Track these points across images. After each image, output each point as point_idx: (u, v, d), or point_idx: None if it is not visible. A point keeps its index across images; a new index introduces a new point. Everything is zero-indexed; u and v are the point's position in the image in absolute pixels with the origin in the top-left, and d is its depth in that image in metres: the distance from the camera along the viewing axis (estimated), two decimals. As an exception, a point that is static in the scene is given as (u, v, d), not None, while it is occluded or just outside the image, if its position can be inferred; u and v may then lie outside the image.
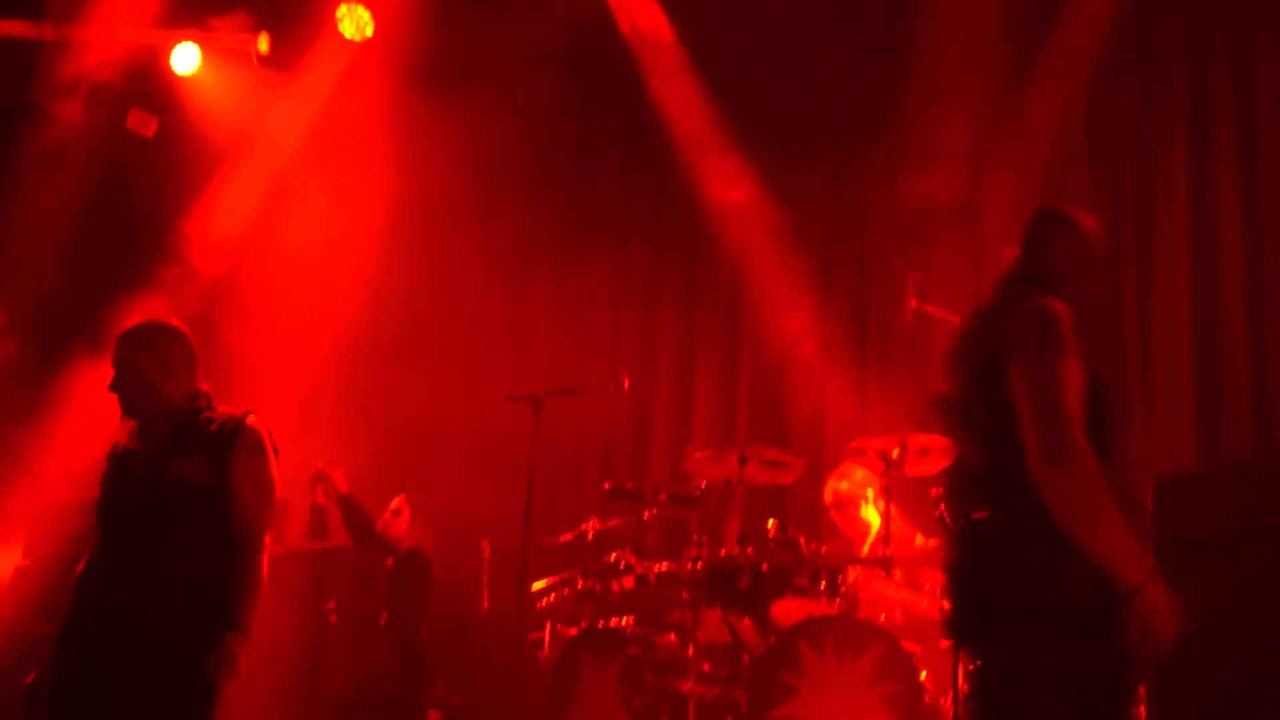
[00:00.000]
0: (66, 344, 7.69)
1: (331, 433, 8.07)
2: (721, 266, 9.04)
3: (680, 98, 8.96)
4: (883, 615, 6.49)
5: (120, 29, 8.62)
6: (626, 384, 7.43)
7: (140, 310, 4.95)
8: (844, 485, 7.09)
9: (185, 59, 8.78)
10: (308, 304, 8.58)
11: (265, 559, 4.55)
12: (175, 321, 4.79)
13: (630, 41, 8.93)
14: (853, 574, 6.55)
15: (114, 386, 4.63)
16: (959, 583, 3.73)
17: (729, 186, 8.83)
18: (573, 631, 6.94)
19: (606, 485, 7.33)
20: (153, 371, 4.60)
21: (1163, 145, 8.02)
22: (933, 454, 6.72)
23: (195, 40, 8.78)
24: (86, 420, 6.68)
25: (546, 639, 7.17)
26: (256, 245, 8.77)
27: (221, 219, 8.83)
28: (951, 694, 5.88)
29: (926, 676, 6.09)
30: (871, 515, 7.03)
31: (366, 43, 8.95)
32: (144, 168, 8.78)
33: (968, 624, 3.68)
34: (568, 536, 7.40)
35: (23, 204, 8.40)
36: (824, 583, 6.48)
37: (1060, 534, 3.47)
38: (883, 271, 8.48)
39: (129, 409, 4.64)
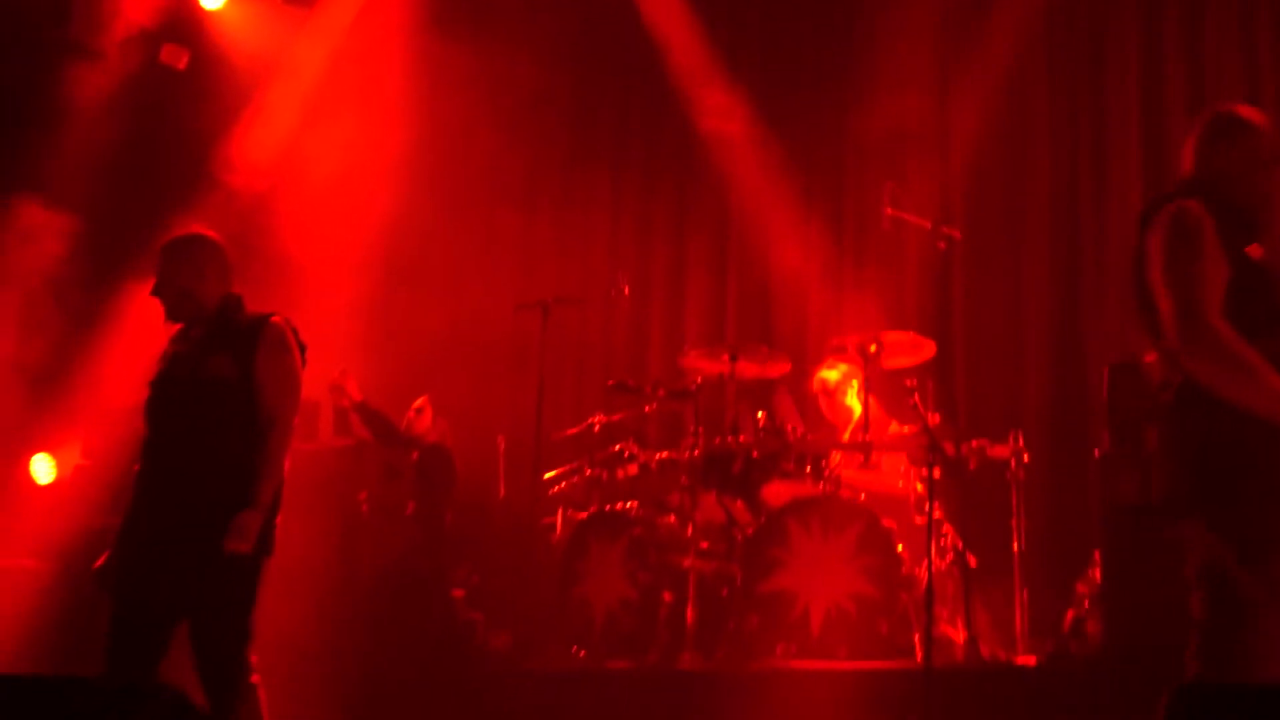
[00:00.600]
0: (118, 261, 7.65)
1: (357, 341, 8.07)
2: (711, 183, 9.03)
3: (673, 30, 8.88)
4: (862, 495, 6.55)
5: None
6: (626, 290, 7.46)
7: (182, 227, 4.85)
8: (833, 375, 7.18)
9: (211, -5, 8.67)
10: (334, 223, 8.55)
11: (287, 445, 4.57)
12: (208, 232, 4.80)
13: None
14: (835, 458, 6.61)
15: (155, 292, 4.67)
16: (1171, 461, 3.68)
17: (718, 111, 8.79)
18: (582, 515, 7.04)
19: (610, 382, 7.42)
20: (188, 278, 4.63)
21: (1116, 69, 8.01)
22: (906, 348, 6.77)
23: (221, -22, 8.64)
24: (138, 330, 6.65)
25: (558, 523, 7.26)
26: (287, 168, 8.70)
27: (255, 144, 8.76)
28: (925, 563, 6.00)
29: (903, 549, 6.18)
30: (854, 403, 7.10)
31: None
32: (179, 99, 8.68)
33: (1190, 498, 3.60)
34: (575, 430, 7.48)
35: (69, 135, 8.31)
36: (809, 467, 6.59)
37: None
38: (859, 184, 8.47)
39: (170, 313, 4.68)
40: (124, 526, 4.61)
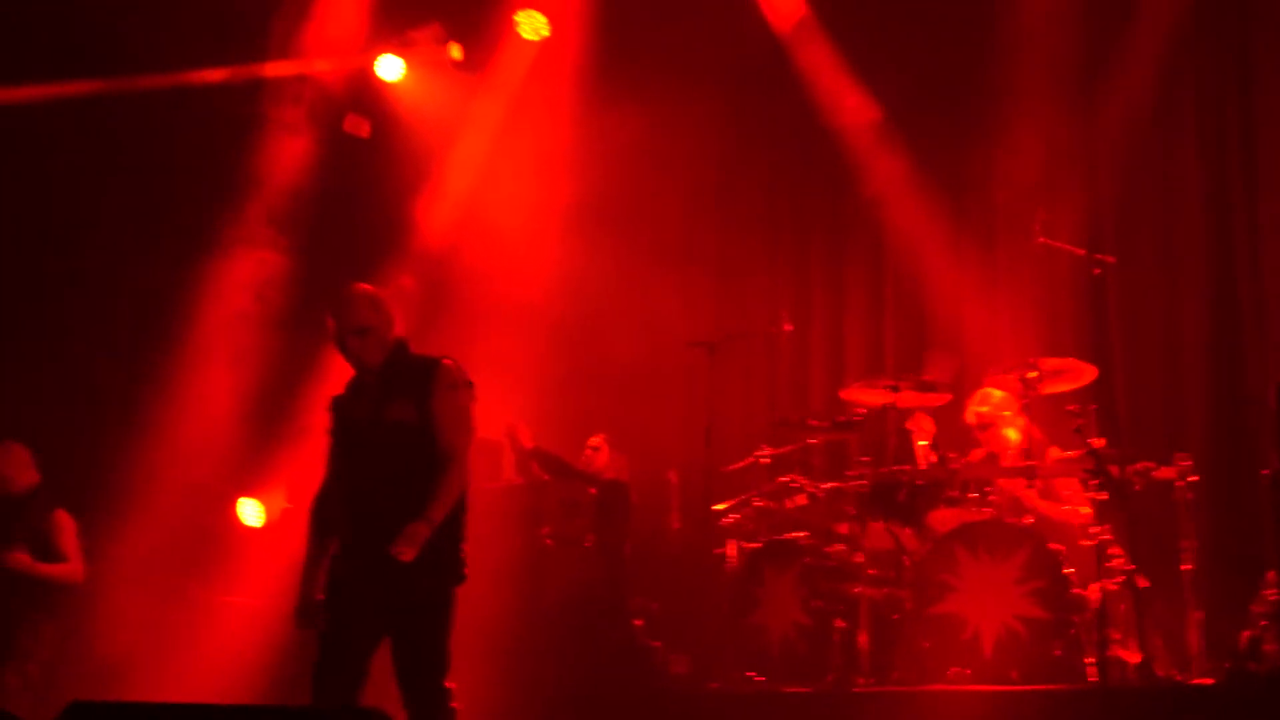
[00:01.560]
0: (312, 317, 7.97)
1: (537, 384, 8.26)
2: (865, 218, 8.98)
3: (822, 69, 8.89)
4: (1028, 520, 6.44)
5: (333, 49, 8.82)
6: (788, 327, 7.49)
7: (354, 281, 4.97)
8: (984, 408, 7.07)
9: (390, 69, 8.98)
10: (511, 274, 8.77)
11: (463, 475, 4.71)
12: (371, 286, 4.92)
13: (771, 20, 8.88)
14: (999, 485, 6.52)
15: (355, 341, 4.75)
16: None
17: (870, 141, 8.75)
18: (754, 545, 7.06)
19: (775, 418, 7.41)
20: (385, 329, 4.79)
21: (1264, 85, 7.81)
22: (1065, 374, 6.67)
23: (398, 52, 8.95)
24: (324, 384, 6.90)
25: (730, 552, 7.26)
26: (468, 225, 8.96)
27: (438, 204, 9.04)
28: (1095, 585, 5.88)
29: (1071, 572, 6.06)
30: (1010, 433, 6.99)
31: (544, 42, 9.03)
32: (365, 165, 9.01)
33: None
34: (744, 463, 7.50)
35: (261, 201, 8.68)
36: (974, 493, 6.49)
37: None
38: (1010, 213, 8.34)
39: (363, 359, 4.79)
40: (310, 568, 4.77)
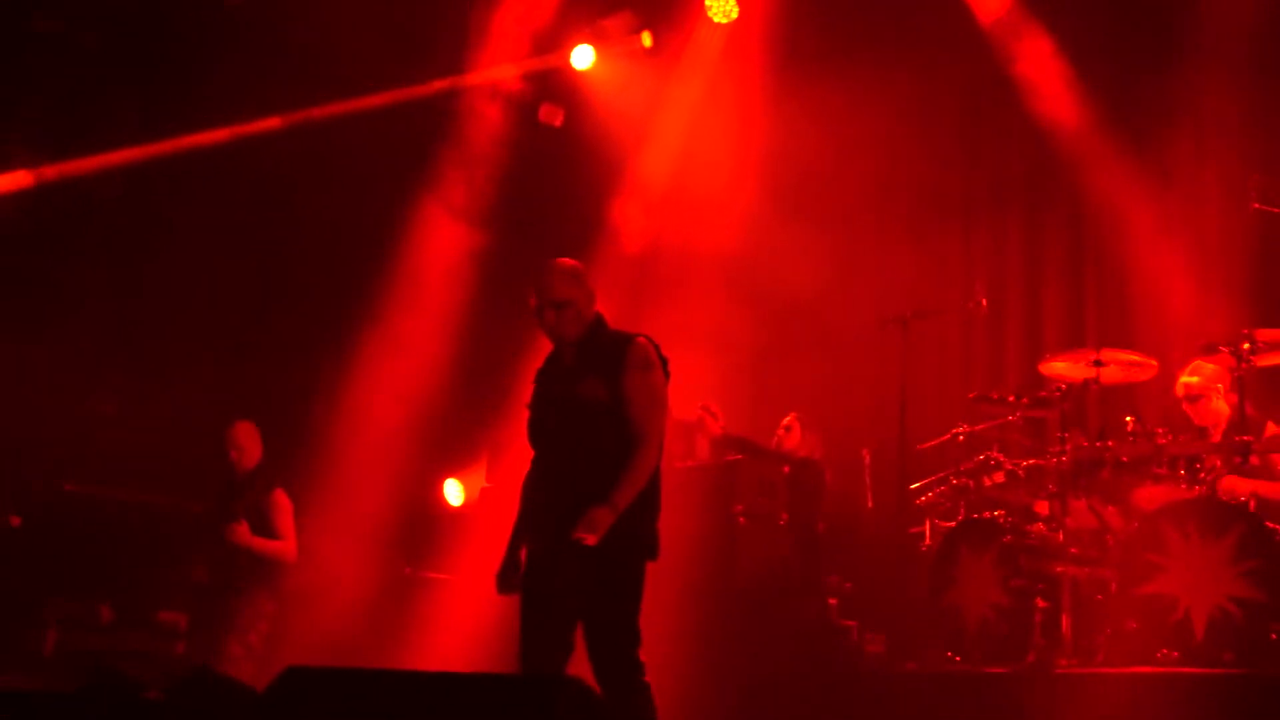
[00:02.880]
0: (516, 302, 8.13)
1: (734, 364, 8.22)
2: (1063, 186, 8.63)
3: (1016, 35, 8.56)
4: (1241, 498, 6.07)
5: (522, 45, 8.93)
6: (984, 302, 7.25)
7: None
8: (1195, 380, 6.69)
9: (582, 58, 9.03)
10: (709, 255, 8.74)
11: (654, 456, 4.63)
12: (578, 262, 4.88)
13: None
14: (1210, 461, 6.17)
15: (553, 315, 4.73)
16: None
17: (1065, 111, 8.39)
18: (950, 524, 6.89)
19: (971, 395, 7.21)
20: (584, 303, 4.76)
21: None
22: (1280, 347, 6.26)
23: (590, 41, 9.00)
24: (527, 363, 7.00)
25: (926, 532, 7.12)
26: (665, 208, 8.98)
27: (635, 190, 9.08)
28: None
29: (1290, 553, 5.68)
30: (1221, 406, 6.61)
31: (734, 24, 8.95)
32: (558, 153, 9.09)
33: None
34: (939, 440, 7.31)
35: (461, 185, 8.86)
36: (1183, 470, 6.17)
37: None
38: (1221, 176, 7.86)
39: (561, 333, 4.76)
40: (516, 537, 4.81)
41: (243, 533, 6.66)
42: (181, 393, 8.21)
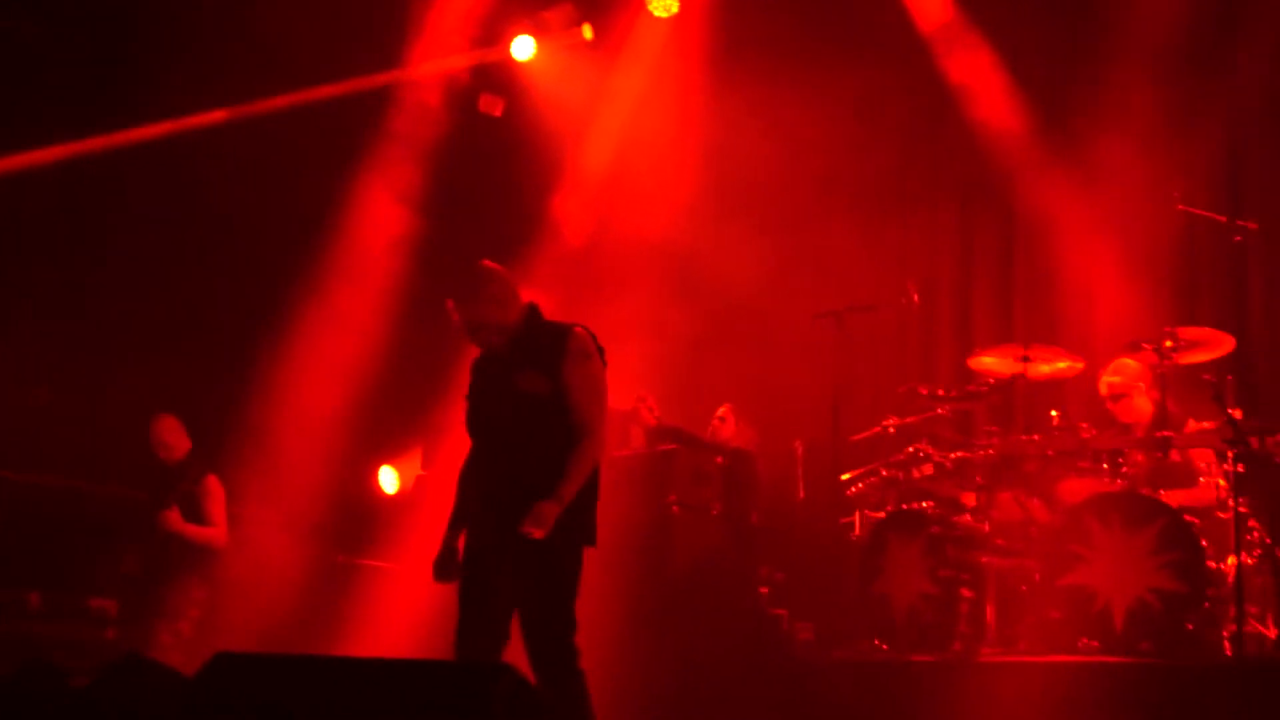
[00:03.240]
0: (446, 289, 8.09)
1: (666, 356, 8.23)
2: (994, 186, 8.72)
3: (949, 34, 8.64)
4: (1160, 493, 6.19)
5: (467, 31, 8.88)
6: (916, 298, 7.32)
7: (467, 266, 4.88)
8: (1117, 379, 6.81)
9: (523, 49, 9.00)
10: (643, 249, 8.76)
11: (599, 447, 4.64)
12: (487, 262, 4.79)
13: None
14: (1133, 456, 6.28)
15: (471, 337, 4.71)
16: None
17: (1000, 114, 8.48)
18: (879, 515, 6.95)
19: (902, 388, 7.27)
20: (495, 314, 4.70)
21: None
22: (1202, 344, 6.39)
23: (531, 33, 8.96)
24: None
25: (856, 522, 7.18)
26: (602, 199, 8.98)
27: (575, 188, 9.07)
28: (1231, 559, 5.62)
29: (1206, 545, 5.80)
30: (1144, 404, 6.73)
31: (675, 19, 8.95)
32: (498, 145, 9.06)
33: None
34: (870, 433, 7.37)
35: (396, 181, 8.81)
36: (1106, 464, 6.27)
37: None
38: (1146, 176, 7.99)
39: (484, 346, 4.75)
40: (454, 525, 4.79)
41: (174, 519, 6.64)
42: (114, 380, 8.11)
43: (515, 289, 4.77)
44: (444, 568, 4.75)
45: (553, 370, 4.64)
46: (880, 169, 9.26)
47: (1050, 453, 6.40)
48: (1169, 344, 6.28)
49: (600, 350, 4.76)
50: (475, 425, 4.80)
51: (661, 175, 8.92)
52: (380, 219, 8.73)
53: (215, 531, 6.82)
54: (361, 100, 8.70)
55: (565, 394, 4.62)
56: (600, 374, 4.72)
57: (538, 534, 4.44)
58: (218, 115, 8.31)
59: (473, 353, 4.89)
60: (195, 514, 6.77)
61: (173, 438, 6.97)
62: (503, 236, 8.12)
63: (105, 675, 3.86)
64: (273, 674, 3.63)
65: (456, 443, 5.07)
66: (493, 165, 9.11)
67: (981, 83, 8.57)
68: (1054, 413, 6.54)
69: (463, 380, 4.88)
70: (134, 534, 6.82)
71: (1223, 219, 6.61)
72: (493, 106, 9.11)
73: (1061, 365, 6.79)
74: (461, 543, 4.75)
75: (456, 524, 4.79)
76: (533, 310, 4.79)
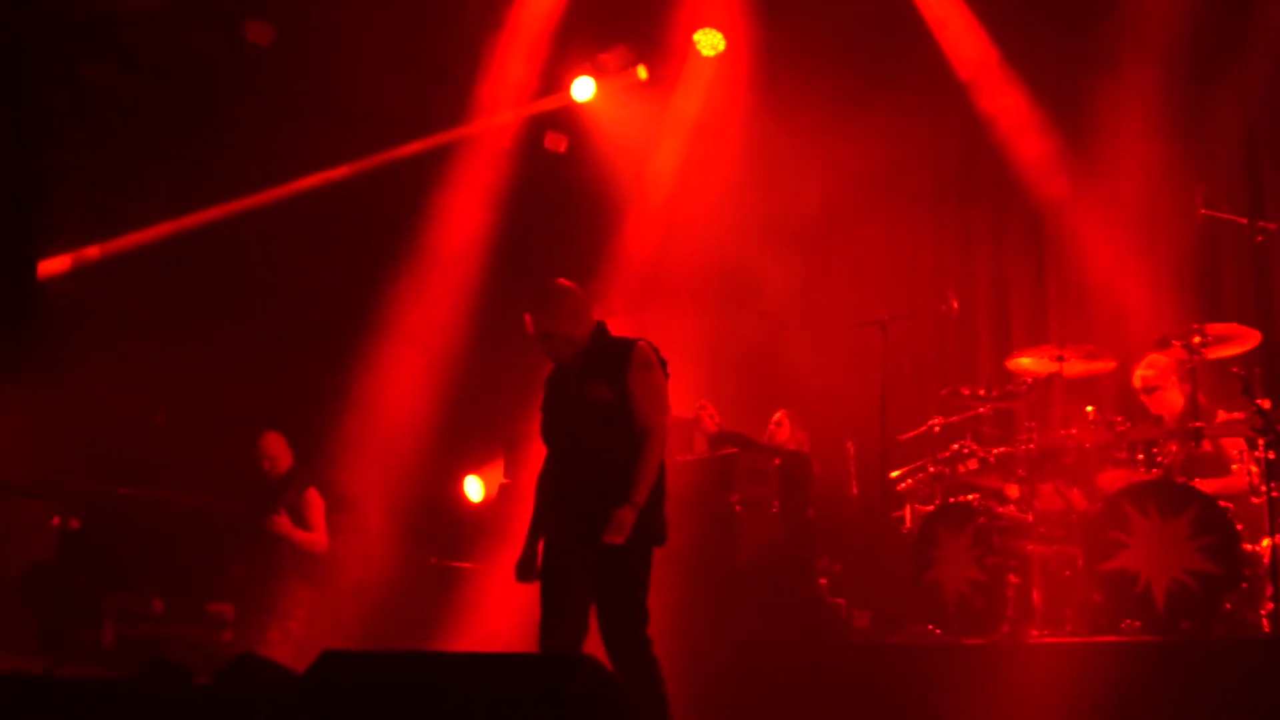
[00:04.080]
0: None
1: (726, 366, 8.21)
2: (1025, 194, 8.58)
3: (968, 43, 8.52)
4: (1195, 480, 6.06)
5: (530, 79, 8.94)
6: (955, 304, 7.23)
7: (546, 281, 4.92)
8: (1150, 373, 6.69)
9: (583, 90, 9.02)
10: (701, 268, 8.75)
11: (659, 450, 4.63)
12: (564, 281, 4.84)
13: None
14: (1167, 446, 6.16)
15: (544, 344, 4.75)
16: None
17: (1026, 128, 8.37)
18: (928, 508, 6.88)
19: (945, 390, 7.21)
20: (568, 328, 4.74)
21: None
22: (1230, 340, 6.25)
23: (589, 74, 8.99)
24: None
25: (907, 516, 7.11)
26: (663, 226, 8.99)
27: (637, 216, 9.08)
28: (1265, 541, 5.49)
29: (1241, 529, 5.66)
30: (1175, 397, 6.59)
31: (720, 57, 8.94)
32: (561, 181, 9.12)
33: None
34: (917, 432, 7.31)
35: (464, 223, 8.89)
36: (1141, 454, 6.15)
37: None
38: (1168, 184, 7.83)
39: (555, 358, 4.79)
40: (534, 530, 4.80)
41: (283, 524, 6.76)
42: (221, 405, 8.23)
43: (589, 306, 4.82)
44: (524, 569, 4.76)
45: (618, 380, 4.65)
46: (915, 185, 9.19)
47: (1088, 445, 6.33)
48: (1197, 339, 6.15)
49: (662, 362, 4.78)
50: (549, 434, 4.82)
51: (714, 200, 8.91)
52: (461, 245, 8.82)
53: (317, 537, 6.94)
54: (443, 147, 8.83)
55: (629, 401, 4.63)
56: (661, 382, 4.73)
57: (618, 540, 4.45)
58: (320, 178, 8.48)
59: (548, 369, 4.91)
60: (299, 522, 6.90)
61: (278, 450, 7.15)
62: (569, 263, 8.15)
63: (225, 673, 3.90)
64: (374, 669, 3.65)
65: (535, 453, 5.08)
66: (561, 199, 9.16)
67: (1010, 107, 8.45)
68: (1089, 408, 6.44)
69: (539, 395, 4.90)
70: (242, 544, 6.93)
71: (1244, 220, 6.46)
72: (557, 144, 9.15)
73: (1094, 363, 6.68)
74: (541, 546, 4.76)
75: (536, 528, 4.81)
76: (601, 327, 4.83)
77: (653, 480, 4.60)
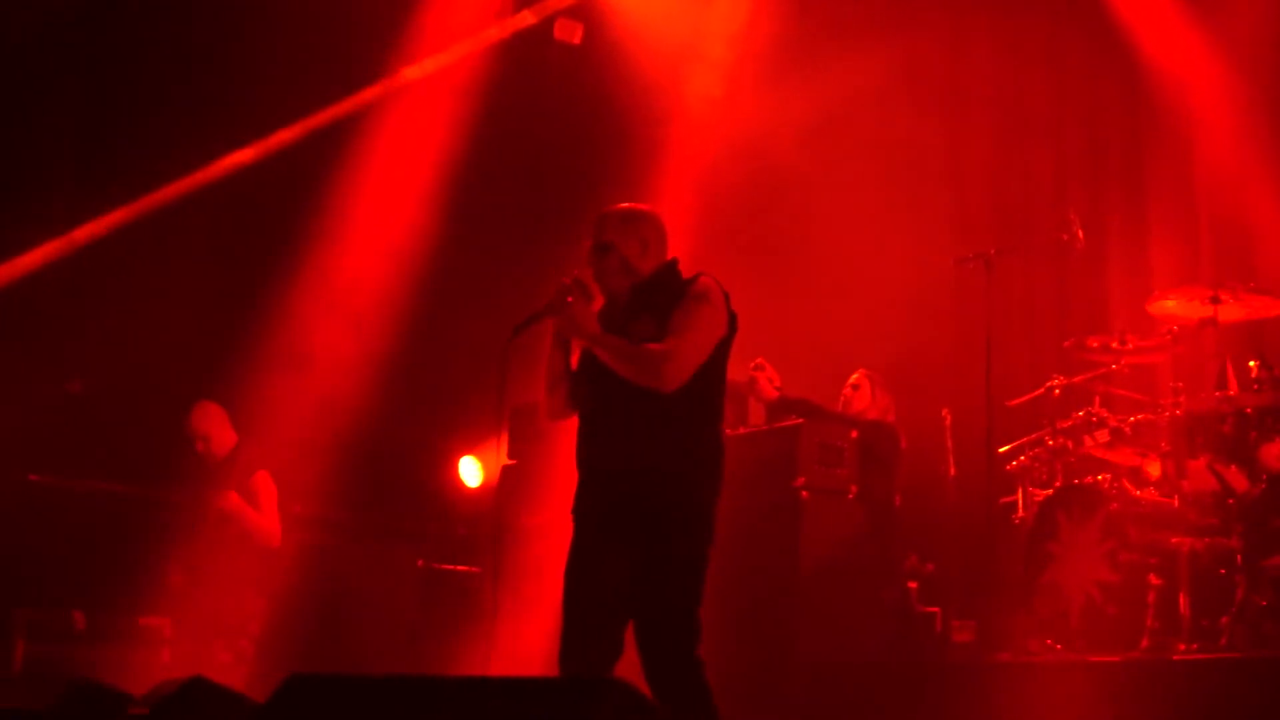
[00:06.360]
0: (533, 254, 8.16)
1: (794, 314, 8.21)
2: (1167, 105, 8.53)
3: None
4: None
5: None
6: (1080, 234, 7.19)
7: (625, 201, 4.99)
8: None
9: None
10: (752, 193, 8.73)
11: (655, 363, 4.56)
12: (651, 207, 4.95)
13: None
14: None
15: (594, 259, 4.78)
16: None
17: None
18: (1046, 492, 6.91)
19: (1068, 342, 7.20)
20: (632, 250, 4.78)
21: None
22: None
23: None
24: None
25: (1020, 502, 7.14)
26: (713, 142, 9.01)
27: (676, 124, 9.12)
28: None
29: None
30: (1363, 348, 6.54)
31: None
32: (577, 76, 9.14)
33: None
34: (1032, 395, 7.32)
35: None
36: (1316, 422, 6.14)
37: None
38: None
39: (603, 280, 4.76)
40: (578, 494, 4.79)
41: (233, 498, 6.73)
42: (155, 368, 8.27)
43: (664, 240, 4.86)
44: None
45: (664, 313, 4.66)
46: (1028, 85, 9.13)
47: (1249, 410, 6.30)
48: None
49: (731, 310, 4.74)
50: (581, 387, 4.80)
51: (772, 113, 8.89)
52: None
53: (270, 525, 6.88)
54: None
55: (666, 330, 4.62)
56: (710, 315, 4.66)
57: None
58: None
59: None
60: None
61: (213, 427, 7.04)
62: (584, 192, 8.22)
63: (165, 702, 3.95)
64: (353, 696, 3.68)
65: (549, 426, 5.10)
66: (571, 110, 9.21)
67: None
68: (1253, 363, 6.44)
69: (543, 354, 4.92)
70: (176, 543, 6.95)
71: None
72: (570, 33, 9.15)
73: (1259, 306, 6.66)
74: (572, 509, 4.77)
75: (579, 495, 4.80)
76: (671, 266, 4.85)
77: (622, 364, 4.58)
